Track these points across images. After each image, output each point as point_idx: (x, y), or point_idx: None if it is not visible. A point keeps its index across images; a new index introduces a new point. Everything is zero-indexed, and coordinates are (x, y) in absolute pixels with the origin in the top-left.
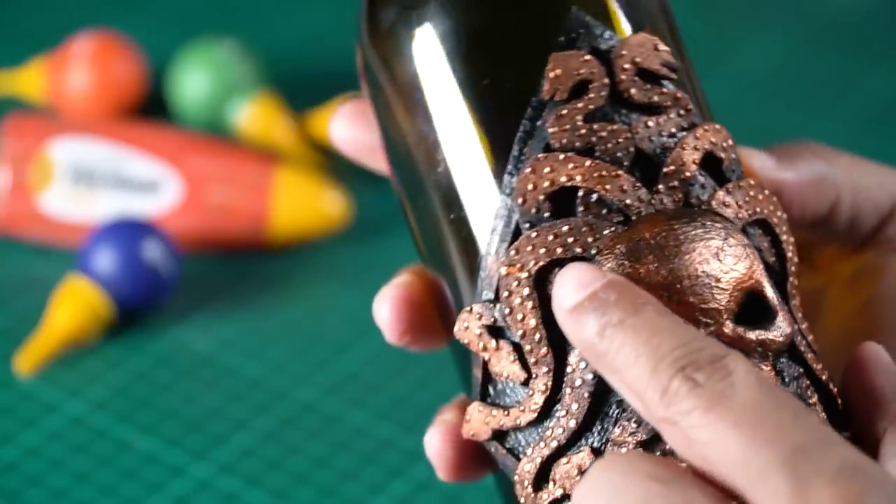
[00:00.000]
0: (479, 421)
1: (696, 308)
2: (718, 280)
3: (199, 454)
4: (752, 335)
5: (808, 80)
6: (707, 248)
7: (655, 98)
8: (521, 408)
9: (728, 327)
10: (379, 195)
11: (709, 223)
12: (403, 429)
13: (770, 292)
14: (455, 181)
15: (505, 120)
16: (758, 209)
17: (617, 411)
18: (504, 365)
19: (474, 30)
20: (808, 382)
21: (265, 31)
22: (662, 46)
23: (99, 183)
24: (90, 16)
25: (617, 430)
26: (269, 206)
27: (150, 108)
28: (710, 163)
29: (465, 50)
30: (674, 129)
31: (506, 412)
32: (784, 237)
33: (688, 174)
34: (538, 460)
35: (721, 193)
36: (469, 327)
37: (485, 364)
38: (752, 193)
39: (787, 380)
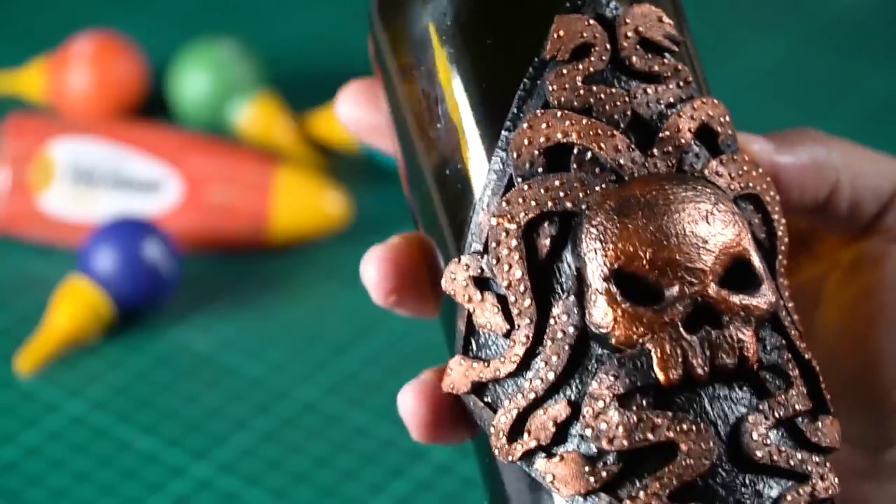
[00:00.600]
0: (459, 373)
1: (681, 266)
2: (706, 241)
3: (199, 454)
4: (736, 299)
5: (809, 79)
6: (697, 209)
7: (656, 67)
8: (502, 359)
9: (713, 289)
10: (379, 195)
11: (700, 187)
12: (403, 428)
13: (756, 261)
14: (453, 137)
15: (506, 78)
16: (751, 184)
17: (596, 365)
18: (488, 316)
19: None
20: (789, 355)
21: (265, 31)
22: (666, 19)
23: (99, 183)
24: (90, 16)
25: (594, 384)
26: (269, 206)
27: (150, 108)
28: (706, 135)
29: (472, 10)
30: (672, 99)
31: (486, 364)
32: (775, 216)
33: (683, 141)
34: (514, 412)
35: (714, 163)
36: (455, 278)
37: (469, 316)
38: (745, 168)
39: (768, 348)
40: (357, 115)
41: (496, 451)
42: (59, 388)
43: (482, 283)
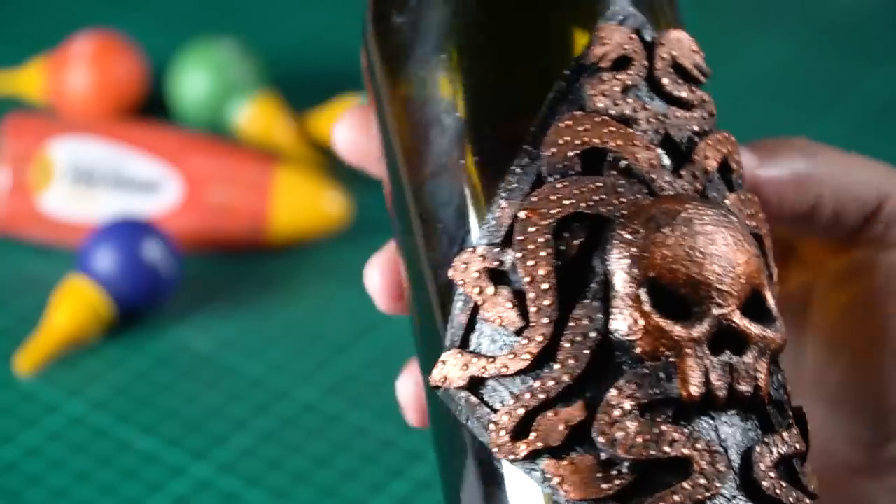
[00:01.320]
0: (456, 367)
1: (712, 286)
2: (734, 267)
3: (199, 454)
4: (757, 329)
5: (809, 80)
6: (731, 234)
7: (684, 94)
8: (511, 356)
9: (737, 314)
10: (379, 195)
11: (729, 215)
12: (403, 429)
13: (771, 297)
14: (456, 142)
15: (539, 77)
16: (756, 225)
17: (615, 373)
18: (499, 311)
19: None
20: (787, 397)
21: (265, 31)
22: (696, 49)
23: (99, 183)
24: (90, 16)
25: (613, 392)
26: (269, 206)
27: (150, 108)
28: (724, 169)
29: (511, 7)
30: (697, 128)
31: (491, 359)
32: (772, 263)
33: (709, 168)
34: (521, 410)
35: (734, 197)
36: (468, 268)
37: (474, 309)
38: (754, 210)
39: (776, 385)
40: (354, 140)
41: (495, 449)
42: (59, 388)
43: (497, 276)
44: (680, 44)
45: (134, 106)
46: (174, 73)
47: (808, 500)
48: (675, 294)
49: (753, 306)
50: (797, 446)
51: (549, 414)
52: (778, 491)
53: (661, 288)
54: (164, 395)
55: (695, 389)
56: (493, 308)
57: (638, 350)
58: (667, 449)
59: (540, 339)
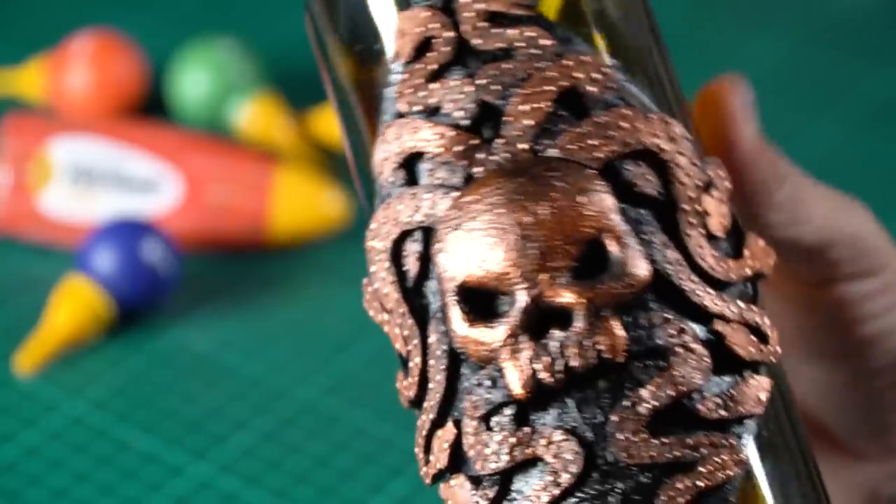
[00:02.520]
0: (400, 390)
1: (521, 269)
2: (545, 236)
3: (199, 454)
4: (589, 290)
5: (808, 79)
6: (537, 203)
7: (504, 42)
8: (409, 380)
9: (557, 287)
10: None
11: (543, 173)
12: (403, 428)
13: (620, 235)
14: (349, 150)
15: (377, 88)
16: (631, 140)
17: (466, 384)
18: (394, 339)
19: None
20: (680, 326)
21: (265, 31)
22: None
23: (99, 182)
24: (90, 15)
25: (467, 404)
26: (269, 206)
27: (150, 107)
28: (573, 98)
29: (352, 15)
30: (530, 70)
31: (405, 384)
32: (681, 160)
33: (532, 121)
34: (424, 433)
35: (570, 135)
36: (369, 300)
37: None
38: (622, 124)
39: (642, 330)
40: None
41: (421, 473)
42: (59, 388)
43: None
44: None
45: (134, 106)
46: (174, 73)
47: (714, 437)
48: (486, 292)
49: (594, 258)
50: (681, 387)
51: (438, 434)
52: (652, 452)
53: (476, 289)
54: (164, 395)
55: (520, 387)
56: (392, 337)
57: (471, 359)
58: (515, 454)
59: (418, 361)
